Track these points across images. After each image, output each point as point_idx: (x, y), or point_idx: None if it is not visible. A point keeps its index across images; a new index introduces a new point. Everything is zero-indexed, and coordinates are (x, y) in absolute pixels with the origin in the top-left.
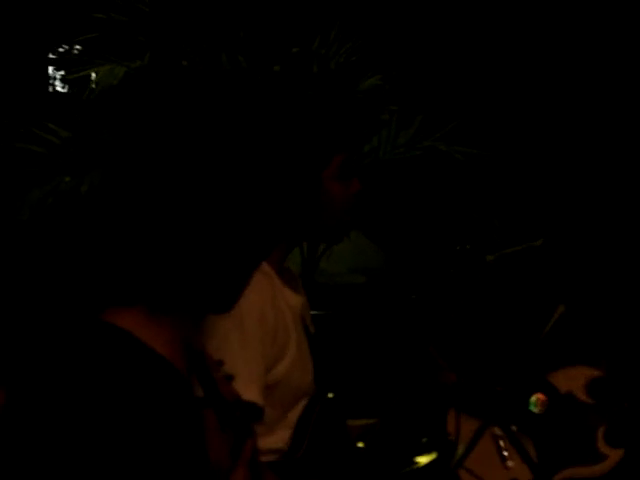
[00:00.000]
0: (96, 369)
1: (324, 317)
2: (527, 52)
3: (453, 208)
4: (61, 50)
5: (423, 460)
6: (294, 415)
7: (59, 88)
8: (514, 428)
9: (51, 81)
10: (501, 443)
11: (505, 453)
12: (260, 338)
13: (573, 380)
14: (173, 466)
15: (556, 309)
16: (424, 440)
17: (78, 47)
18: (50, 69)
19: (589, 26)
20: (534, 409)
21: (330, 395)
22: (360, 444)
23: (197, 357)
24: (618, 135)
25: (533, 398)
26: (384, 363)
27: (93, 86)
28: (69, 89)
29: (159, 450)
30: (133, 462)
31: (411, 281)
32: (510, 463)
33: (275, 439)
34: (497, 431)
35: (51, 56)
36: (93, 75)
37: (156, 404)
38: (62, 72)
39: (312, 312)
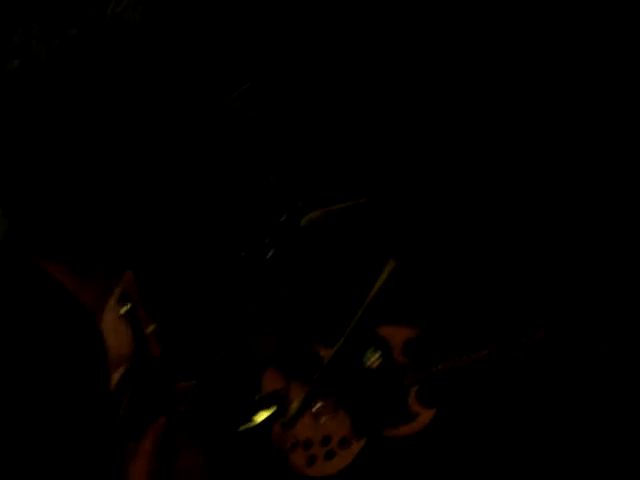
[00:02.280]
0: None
1: None
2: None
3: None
4: None
5: (262, 415)
6: (112, 380)
7: None
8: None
9: None
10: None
11: (318, 408)
12: None
13: (391, 338)
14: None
15: (387, 264)
16: (257, 397)
17: None
18: None
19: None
20: (368, 364)
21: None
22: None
23: (130, 311)
24: None
25: (368, 353)
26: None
27: None
28: None
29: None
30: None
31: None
32: (322, 420)
33: None
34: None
35: None
36: None
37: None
38: None
39: None
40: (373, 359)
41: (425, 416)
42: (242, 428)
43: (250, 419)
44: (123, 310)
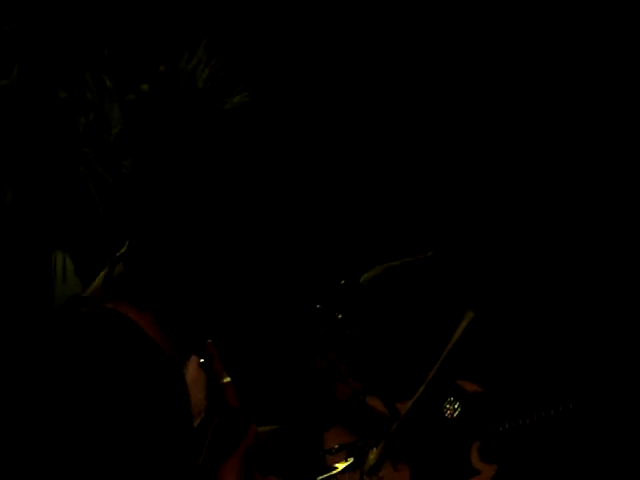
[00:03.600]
0: (96, 346)
1: None
2: None
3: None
4: None
5: (340, 465)
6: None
7: None
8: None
9: None
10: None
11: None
12: None
13: None
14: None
15: (465, 315)
16: (335, 447)
17: None
18: None
19: None
20: (448, 414)
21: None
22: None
23: (206, 362)
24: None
25: (448, 404)
26: (284, 370)
27: None
28: None
29: (144, 416)
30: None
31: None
32: (382, 473)
33: None
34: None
35: None
36: None
37: (145, 379)
38: None
39: None
40: (452, 409)
41: (487, 472)
42: (320, 479)
43: (328, 469)
44: (199, 361)
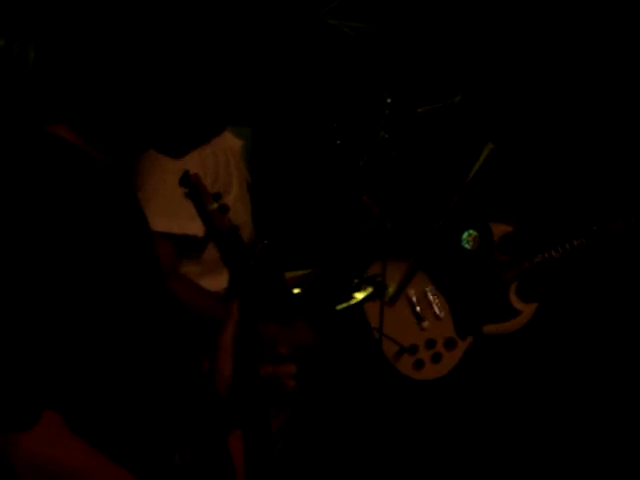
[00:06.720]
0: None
1: None
2: None
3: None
4: None
5: (359, 296)
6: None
7: None
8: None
9: None
10: (416, 305)
11: (420, 313)
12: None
13: None
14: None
15: (485, 146)
16: (355, 281)
17: None
18: None
19: None
20: (466, 245)
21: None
22: (296, 290)
23: (193, 191)
24: None
25: (465, 234)
26: (318, 213)
27: None
28: None
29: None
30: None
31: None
32: (425, 324)
33: (214, 281)
34: (412, 294)
35: None
36: None
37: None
38: None
39: None
40: (471, 239)
41: (527, 311)
42: (340, 307)
43: (348, 299)
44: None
